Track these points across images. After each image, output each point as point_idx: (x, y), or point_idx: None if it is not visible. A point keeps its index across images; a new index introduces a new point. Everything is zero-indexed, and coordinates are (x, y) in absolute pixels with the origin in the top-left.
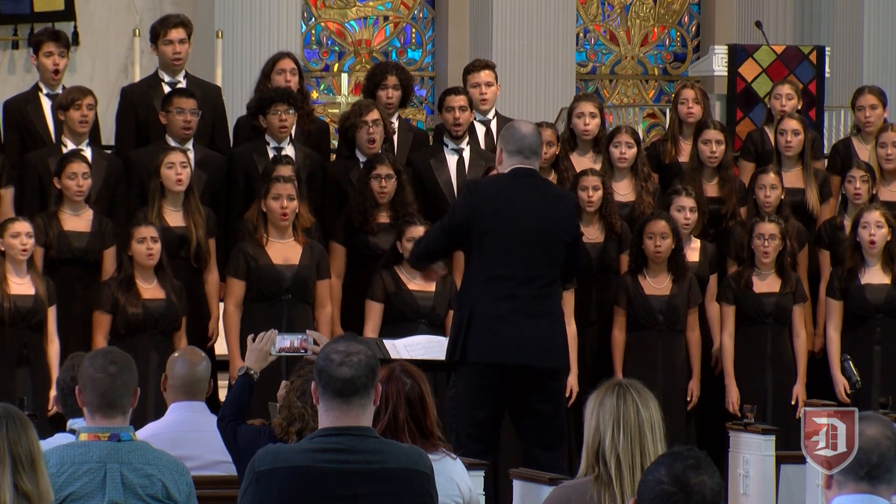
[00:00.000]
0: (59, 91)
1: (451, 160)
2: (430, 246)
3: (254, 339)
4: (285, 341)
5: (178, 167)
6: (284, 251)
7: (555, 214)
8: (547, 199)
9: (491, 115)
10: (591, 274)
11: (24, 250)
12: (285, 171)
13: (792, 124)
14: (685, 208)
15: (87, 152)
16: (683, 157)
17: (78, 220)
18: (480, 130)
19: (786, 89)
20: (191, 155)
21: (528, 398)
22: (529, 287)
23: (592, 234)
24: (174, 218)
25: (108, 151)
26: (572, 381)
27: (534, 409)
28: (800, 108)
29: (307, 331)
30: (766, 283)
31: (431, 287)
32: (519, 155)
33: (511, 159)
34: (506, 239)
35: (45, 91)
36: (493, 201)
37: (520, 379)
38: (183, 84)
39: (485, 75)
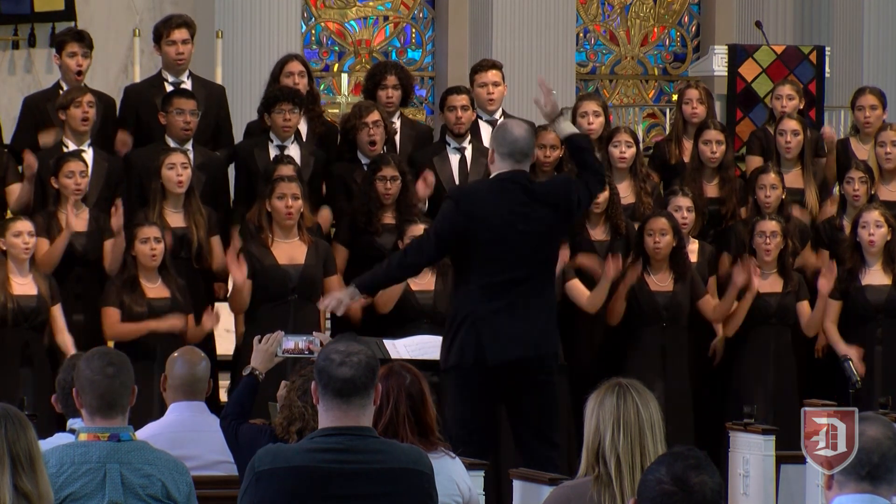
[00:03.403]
0: None
1: (454, 159)
2: (424, 254)
3: (260, 341)
4: (290, 343)
5: (179, 168)
6: (290, 251)
7: (541, 215)
8: (534, 200)
9: (498, 114)
10: (597, 273)
11: (27, 249)
12: (287, 170)
13: (791, 125)
14: (682, 208)
15: (89, 153)
16: (689, 158)
17: (76, 220)
18: (486, 130)
19: (787, 90)
20: (190, 155)
21: (518, 394)
22: (522, 289)
23: (599, 234)
24: (175, 219)
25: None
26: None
27: (525, 403)
28: (801, 108)
29: (313, 332)
30: (769, 283)
31: (431, 286)
32: (510, 158)
33: (503, 161)
34: (496, 246)
35: (66, 90)
36: (480, 208)
37: (508, 376)
38: (187, 84)
39: (492, 75)
